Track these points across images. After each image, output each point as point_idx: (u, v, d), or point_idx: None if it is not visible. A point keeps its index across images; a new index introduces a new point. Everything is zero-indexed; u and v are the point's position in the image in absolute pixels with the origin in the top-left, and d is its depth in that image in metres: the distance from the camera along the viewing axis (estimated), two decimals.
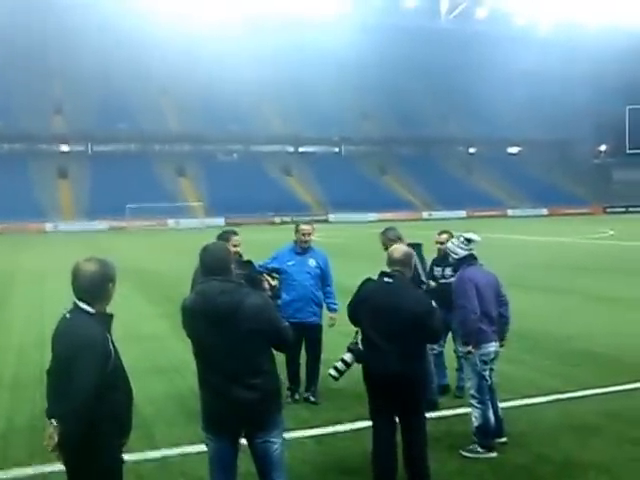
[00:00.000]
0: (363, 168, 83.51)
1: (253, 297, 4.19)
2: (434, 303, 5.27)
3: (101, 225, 60.71)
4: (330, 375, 5.56)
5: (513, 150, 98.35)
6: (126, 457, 5.75)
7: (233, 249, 7.09)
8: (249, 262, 6.39)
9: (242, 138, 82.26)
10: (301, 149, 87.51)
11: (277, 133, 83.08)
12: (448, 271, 7.66)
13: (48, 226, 59.91)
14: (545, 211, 77.13)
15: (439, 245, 7.88)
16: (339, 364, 5.49)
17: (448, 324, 7.34)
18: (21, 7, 77.08)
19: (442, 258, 7.81)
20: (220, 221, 62.95)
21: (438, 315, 5.17)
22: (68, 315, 3.79)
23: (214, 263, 4.25)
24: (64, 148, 78.18)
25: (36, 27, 78.46)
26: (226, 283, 4.17)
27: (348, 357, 5.44)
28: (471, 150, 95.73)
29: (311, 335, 7.73)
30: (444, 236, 7.80)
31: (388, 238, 7.24)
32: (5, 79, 75.02)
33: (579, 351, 9.89)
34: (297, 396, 7.78)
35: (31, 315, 13.98)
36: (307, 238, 7.76)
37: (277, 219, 64.35)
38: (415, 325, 5.04)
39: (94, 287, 3.76)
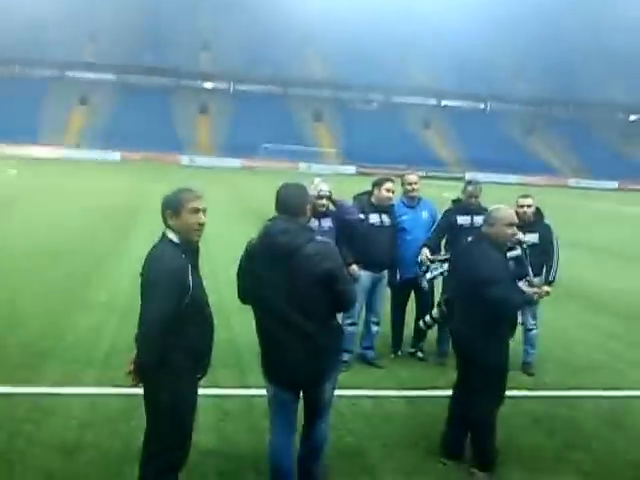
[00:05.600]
0: (508, 127, 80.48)
1: (319, 243, 3.97)
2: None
3: (235, 162, 62.02)
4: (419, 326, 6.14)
5: None
6: (214, 391, 5.88)
7: (386, 194, 6.95)
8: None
9: (383, 87, 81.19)
10: (444, 102, 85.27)
11: (420, 84, 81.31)
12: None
13: (184, 159, 61.89)
14: None
15: (523, 209, 7.20)
16: (427, 318, 5.87)
17: None
18: None
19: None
20: (351, 169, 62.88)
21: (500, 285, 4.64)
22: (156, 243, 3.77)
23: (286, 202, 4.04)
24: (207, 85, 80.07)
25: None
26: (291, 224, 3.95)
27: (435, 312, 5.70)
28: (632, 117, 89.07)
29: (423, 289, 7.37)
30: (529, 200, 7.26)
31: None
32: (157, 14, 77.36)
33: None
34: (400, 352, 7.61)
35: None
36: (414, 187, 7.43)
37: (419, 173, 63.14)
38: (479, 291, 4.66)
39: None
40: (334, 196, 6.56)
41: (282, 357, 4.02)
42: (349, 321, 7.04)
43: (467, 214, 7.28)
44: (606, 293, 12.20)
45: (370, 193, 7.13)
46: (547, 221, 7.40)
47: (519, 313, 7.18)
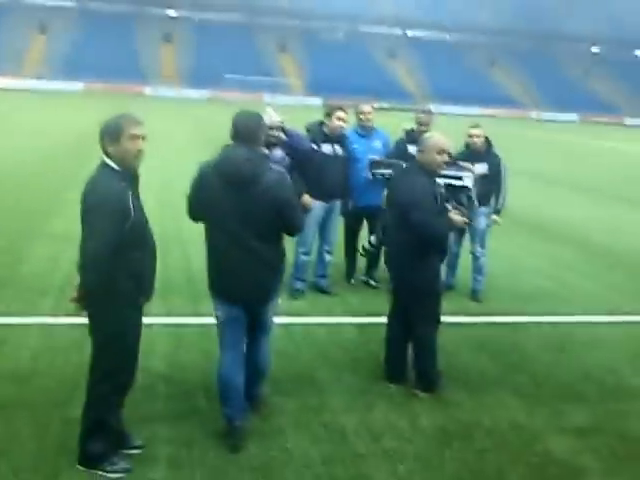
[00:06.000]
0: (473, 59, 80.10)
1: (276, 172, 4.15)
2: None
3: (199, 93, 60.93)
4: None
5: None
6: (169, 319, 6.07)
7: (337, 123, 7.00)
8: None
9: (349, 17, 79.80)
10: (409, 33, 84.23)
11: (385, 14, 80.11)
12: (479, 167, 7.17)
13: (147, 89, 60.62)
14: None
15: (473, 139, 7.42)
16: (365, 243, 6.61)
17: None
18: None
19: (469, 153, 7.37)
20: (317, 101, 62.21)
21: (423, 209, 4.86)
22: (95, 171, 3.75)
23: (243, 130, 4.10)
24: (171, 13, 77.92)
25: None
26: (252, 152, 4.07)
27: (373, 239, 6.24)
28: (593, 49, 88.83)
29: (375, 218, 7.45)
30: (478, 130, 7.43)
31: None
32: None
33: None
34: (353, 280, 7.81)
35: None
36: (367, 117, 7.51)
37: (376, 104, 62.76)
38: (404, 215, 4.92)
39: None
40: (286, 126, 6.57)
41: (235, 274, 4.17)
42: (303, 250, 7.17)
43: (416, 143, 7.34)
44: (557, 223, 12.50)
45: (322, 123, 7.15)
46: (496, 151, 7.52)
47: (468, 240, 7.45)
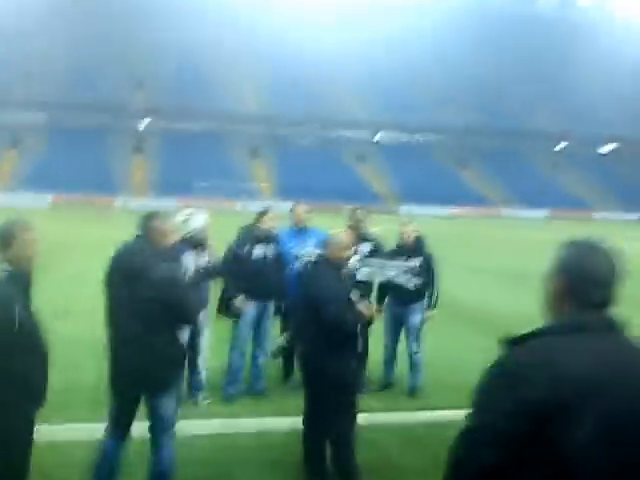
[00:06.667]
0: (441, 159, 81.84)
1: (163, 267, 4.35)
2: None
3: (170, 203, 61.05)
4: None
5: (605, 150, 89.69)
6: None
7: (269, 223, 7.21)
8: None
9: (317, 121, 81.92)
10: (378, 135, 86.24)
11: (353, 119, 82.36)
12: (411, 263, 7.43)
13: (118, 201, 60.68)
14: (638, 216, 70.06)
15: (404, 235, 7.71)
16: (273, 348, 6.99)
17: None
18: None
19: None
20: (287, 206, 62.75)
21: (334, 303, 5.03)
22: None
23: (142, 228, 4.50)
24: (141, 124, 79.38)
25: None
26: (144, 247, 4.36)
27: (280, 340, 6.72)
28: (559, 146, 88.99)
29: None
30: (410, 227, 7.74)
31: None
32: (87, 54, 77.48)
33: None
34: (291, 381, 7.62)
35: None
36: (301, 217, 7.70)
37: (346, 207, 63.54)
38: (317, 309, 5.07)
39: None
40: (210, 231, 6.77)
41: (127, 365, 4.36)
42: (237, 353, 7.16)
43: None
44: (499, 316, 12.52)
45: (254, 225, 7.28)
46: (428, 248, 7.70)
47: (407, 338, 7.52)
